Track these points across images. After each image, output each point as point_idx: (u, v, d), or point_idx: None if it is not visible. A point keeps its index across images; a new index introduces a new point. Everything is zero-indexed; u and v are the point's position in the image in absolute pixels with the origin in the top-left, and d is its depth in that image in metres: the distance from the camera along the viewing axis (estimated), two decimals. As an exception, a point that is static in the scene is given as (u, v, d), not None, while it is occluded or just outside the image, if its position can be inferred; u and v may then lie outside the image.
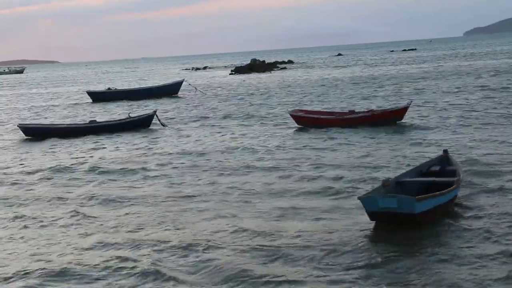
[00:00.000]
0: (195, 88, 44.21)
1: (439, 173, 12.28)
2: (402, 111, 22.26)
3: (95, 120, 26.67)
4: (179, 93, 44.05)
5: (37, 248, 10.17)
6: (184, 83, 45.14)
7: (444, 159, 12.83)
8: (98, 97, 43.21)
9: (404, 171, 12.92)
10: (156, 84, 49.96)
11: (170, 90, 44.17)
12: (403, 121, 22.02)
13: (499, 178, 13.08)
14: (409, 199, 10.00)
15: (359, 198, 10.54)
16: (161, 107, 34.80)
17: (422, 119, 22.55)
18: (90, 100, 42.76)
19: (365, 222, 10.41)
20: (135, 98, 41.66)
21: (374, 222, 10.30)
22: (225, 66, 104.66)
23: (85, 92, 46.59)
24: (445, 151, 13.19)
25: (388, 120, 21.83)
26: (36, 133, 25.08)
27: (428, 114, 23.63)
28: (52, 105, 42.40)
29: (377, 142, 18.31)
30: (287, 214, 11.45)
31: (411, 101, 23.73)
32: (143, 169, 16.31)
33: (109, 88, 47.42)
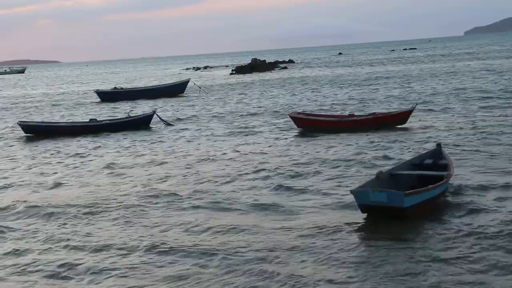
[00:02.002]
0: (199, 87, 44.44)
1: (432, 166, 12.68)
2: (405, 115, 21.54)
3: (96, 119, 26.66)
4: (185, 92, 44.38)
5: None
6: (189, 82, 45.53)
7: (437, 153, 13.22)
8: (106, 96, 43.55)
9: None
10: (163, 84, 50.10)
11: (176, 90, 44.46)
12: (406, 125, 21.34)
13: (491, 175, 13.35)
14: (398, 193, 10.34)
15: (351, 191, 10.90)
16: (166, 106, 35.02)
17: (425, 123, 21.89)
18: (98, 99, 43.11)
19: (357, 214, 10.78)
20: (142, 97, 42.01)
21: (366, 215, 10.67)
22: (226, 66, 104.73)
23: (93, 91, 47.02)
24: (439, 145, 13.52)
25: (391, 123, 21.20)
26: (36, 131, 25.11)
27: (431, 117, 23.16)
28: (60, 104, 42.64)
29: (378, 145, 17.98)
30: (282, 208, 11.80)
31: (416, 105, 23.17)
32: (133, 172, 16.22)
33: (115, 88, 47.73)
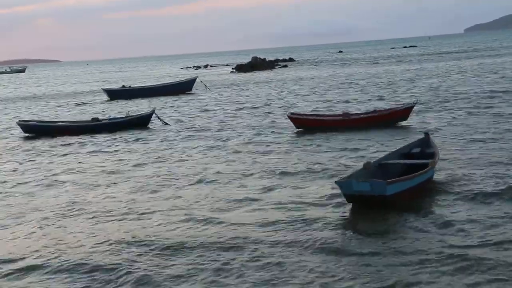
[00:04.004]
0: (205, 86, 44.99)
1: (419, 155, 13.13)
2: (406, 111, 21.43)
3: (97, 118, 26.77)
4: (192, 90, 44.85)
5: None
6: (196, 80, 46.09)
7: (425, 142, 13.67)
8: (114, 94, 44.01)
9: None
10: (171, 82, 50.43)
11: (184, 87, 44.95)
12: (406, 121, 21.33)
13: (480, 165, 13.80)
14: (381, 182, 10.77)
15: (336, 182, 11.35)
16: (173, 104, 35.41)
17: (427, 119, 22.05)
18: (107, 98, 43.58)
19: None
20: (150, 95, 42.48)
21: (351, 204, 11.12)
22: (227, 64, 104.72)
23: (101, 89, 47.56)
24: (427, 134, 13.99)
25: (392, 120, 21.11)
26: (35, 131, 25.29)
27: (432, 114, 23.28)
28: (68, 102, 42.99)
29: (381, 142, 18.04)
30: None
31: (417, 101, 22.99)
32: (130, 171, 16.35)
33: (123, 86, 48.11)
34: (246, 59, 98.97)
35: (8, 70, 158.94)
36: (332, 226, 10.22)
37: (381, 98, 30.64)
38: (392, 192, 10.71)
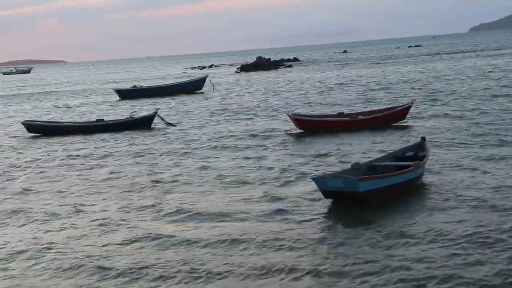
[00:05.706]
0: (213, 85, 45.21)
1: (412, 158, 13.22)
2: (404, 111, 21.79)
3: (102, 119, 26.94)
4: (203, 89, 45.05)
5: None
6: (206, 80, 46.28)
7: (419, 146, 13.80)
8: (125, 94, 44.30)
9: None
10: (181, 81, 50.53)
11: (194, 87, 45.13)
12: (404, 121, 21.66)
13: (468, 169, 13.83)
14: (353, 179, 11.01)
15: (311, 178, 11.67)
16: (179, 104, 35.64)
17: (423, 119, 22.27)
18: (118, 97, 43.82)
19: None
20: (160, 95, 42.73)
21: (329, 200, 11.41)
22: (231, 64, 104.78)
23: (112, 89, 48.09)
24: (423, 138, 14.11)
25: (392, 121, 21.41)
26: (39, 131, 25.51)
27: (429, 115, 23.41)
28: (82, 103, 43.28)
29: (382, 143, 18.10)
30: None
31: (414, 101, 23.39)
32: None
33: (134, 86, 48.40)
34: (247, 60, 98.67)
35: (14, 70, 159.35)
36: (311, 221, 10.50)
37: (394, 99, 30.50)
38: (364, 189, 10.87)
